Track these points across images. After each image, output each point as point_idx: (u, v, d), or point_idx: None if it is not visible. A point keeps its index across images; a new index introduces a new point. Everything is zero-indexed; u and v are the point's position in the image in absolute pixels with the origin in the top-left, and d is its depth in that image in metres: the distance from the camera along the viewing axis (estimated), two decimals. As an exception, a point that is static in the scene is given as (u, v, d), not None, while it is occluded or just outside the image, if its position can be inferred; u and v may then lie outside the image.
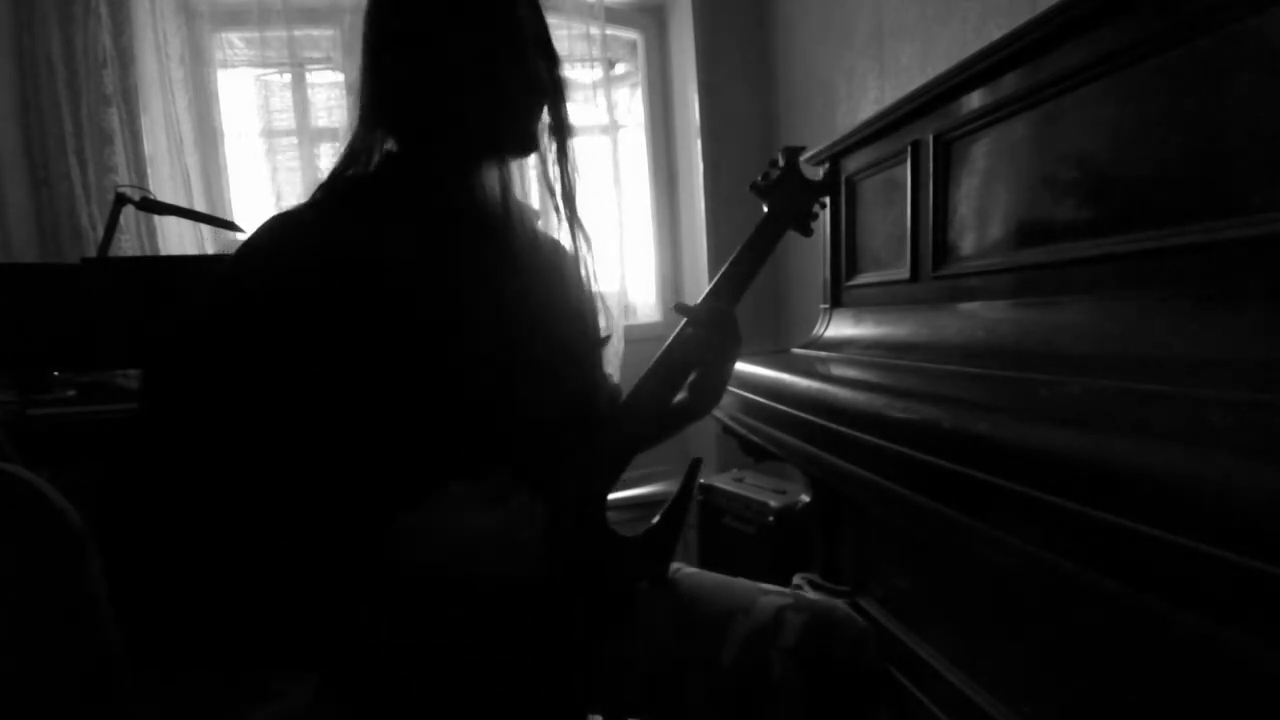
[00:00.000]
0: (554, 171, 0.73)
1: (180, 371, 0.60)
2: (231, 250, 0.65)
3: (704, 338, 0.75)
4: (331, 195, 0.68)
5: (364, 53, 0.68)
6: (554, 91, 0.71)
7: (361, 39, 0.68)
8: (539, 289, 0.75)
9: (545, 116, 0.71)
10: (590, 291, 0.81)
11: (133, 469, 0.58)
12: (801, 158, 0.85)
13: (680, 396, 0.79)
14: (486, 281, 0.70)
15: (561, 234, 0.78)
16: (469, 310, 0.68)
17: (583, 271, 0.79)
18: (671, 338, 0.77)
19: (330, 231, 0.64)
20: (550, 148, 0.73)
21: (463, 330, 0.67)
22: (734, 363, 0.80)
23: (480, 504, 0.61)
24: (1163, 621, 0.41)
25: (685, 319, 0.77)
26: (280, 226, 0.64)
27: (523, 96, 0.68)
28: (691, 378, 0.77)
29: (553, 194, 0.74)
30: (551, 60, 0.70)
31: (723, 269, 0.79)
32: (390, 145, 0.69)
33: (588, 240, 0.78)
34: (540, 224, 0.81)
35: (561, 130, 0.72)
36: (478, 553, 0.60)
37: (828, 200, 1.23)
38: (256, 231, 0.64)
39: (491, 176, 0.71)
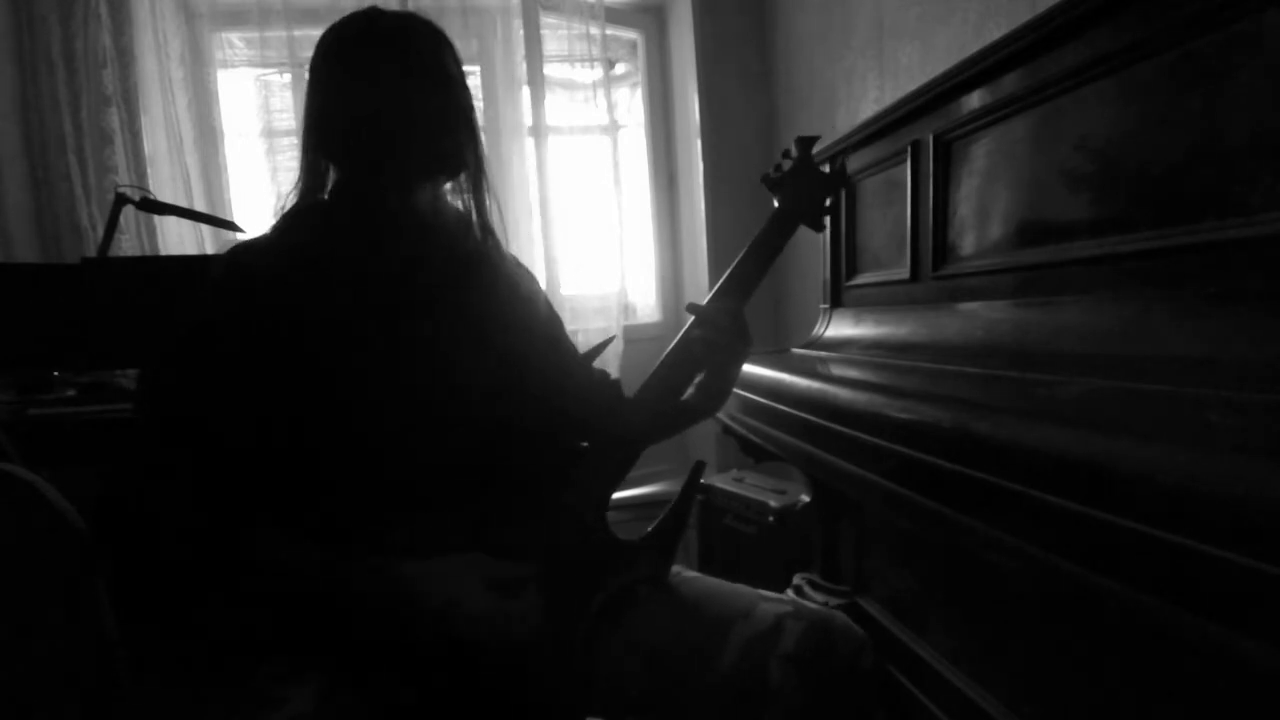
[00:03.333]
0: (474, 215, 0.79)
1: (155, 395, 0.66)
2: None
3: (712, 338, 0.75)
4: (293, 223, 0.74)
5: (306, 94, 0.74)
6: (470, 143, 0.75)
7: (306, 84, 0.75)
8: (506, 305, 0.80)
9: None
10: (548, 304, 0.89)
11: (126, 483, 0.62)
12: (815, 148, 0.83)
13: (687, 395, 0.78)
14: (449, 299, 0.75)
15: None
16: (437, 326, 0.73)
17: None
18: (678, 337, 0.77)
19: (291, 258, 0.70)
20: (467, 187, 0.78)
21: (437, 344, 0.71)
22: (742, 363, 0.79)
23: (488, 585, 0.62)
24: (1163, 622, 0.41)
25: (693, 318, 0.76)
26: (241, 256, 0.71)
27: (439, 126, 0.73)
28: (699, 378, 0.77)
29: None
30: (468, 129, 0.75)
31: (731, 267, 0.78)
32: (333, 175, 0.76)
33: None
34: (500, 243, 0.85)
35: (478, 187, 0.78)
36: (461, 630, 0.61)
37: (840, 194, 1.20)
38: (219, 261, 0.71)
39: (444, 203, 0.79)
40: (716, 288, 0.78)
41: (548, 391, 0.78)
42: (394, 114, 0.70)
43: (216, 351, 0.64)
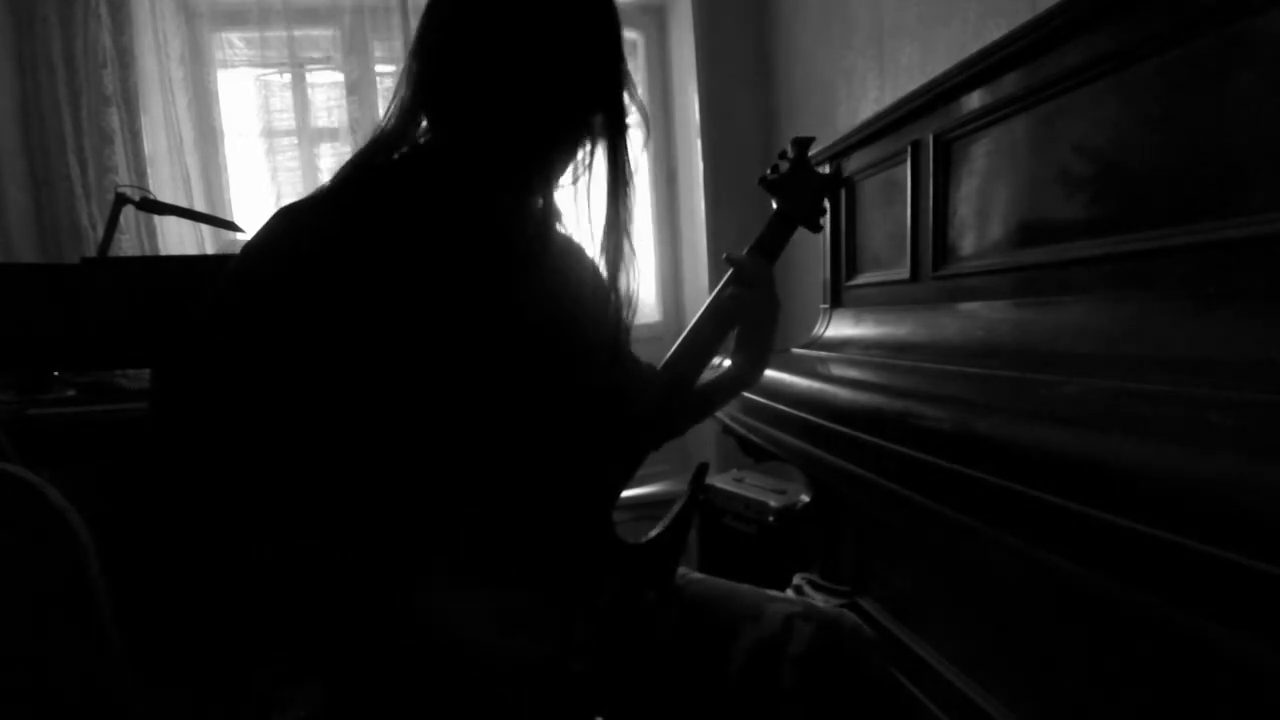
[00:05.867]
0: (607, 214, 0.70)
1: (187, 370, 0.60)
2: (231, 250, 0.66)
3: (749, 295, 0.77)
4: (346, 186, 0.65)
5: (428, 28, 0.64)
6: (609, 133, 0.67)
7: (426, 15, 0.64)
8: (548, 292, 0.72)
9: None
10: (607, 294, 0.75)
11: (152, 470, 0.58)
12: (810, 150, 0.85)
13: (722, 369, 0.79)
14: (488, 284, 0.69)
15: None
16: (468, 311, 0.67)
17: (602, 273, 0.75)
18: (708, 301, 0.78)
19: (334, 226, 0.63)
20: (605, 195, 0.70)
21: (460, 331, 0.66)
22: (777, 323, 0.81)
23: (501, 626, 0.60)
24: (1163, 622, 0.41)
25: (726, 276, 0.78)
26: (284, 221, 0.63)
27: (564, 122, 0.64)
28: (736, 344, 0.79)
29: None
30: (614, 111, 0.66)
31: (732, 271, 0.78)
32: (422, 138, 0.66)
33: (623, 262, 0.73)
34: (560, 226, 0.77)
35: (617, 179, 0.68)
36: (470, 665, 0.60)
37: (838, 195, 1.22)
38: (262, 226, 0.63)
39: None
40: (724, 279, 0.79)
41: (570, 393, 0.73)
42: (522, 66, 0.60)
43: (230, 332, 0.60)
